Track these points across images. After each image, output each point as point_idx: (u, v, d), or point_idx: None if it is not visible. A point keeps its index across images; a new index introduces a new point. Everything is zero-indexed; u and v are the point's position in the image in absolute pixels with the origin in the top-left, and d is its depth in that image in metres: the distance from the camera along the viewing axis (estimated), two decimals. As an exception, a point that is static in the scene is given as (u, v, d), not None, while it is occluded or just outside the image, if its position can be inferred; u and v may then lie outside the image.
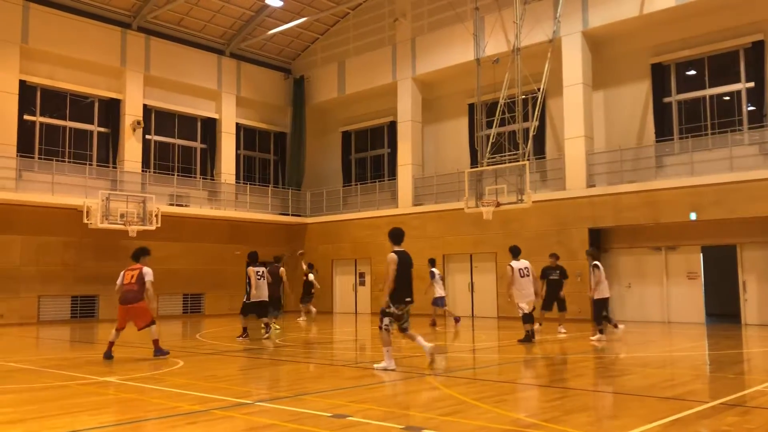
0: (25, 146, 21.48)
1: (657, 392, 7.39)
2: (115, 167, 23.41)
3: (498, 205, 18.79)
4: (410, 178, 24.53)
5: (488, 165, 19.97)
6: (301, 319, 20.49)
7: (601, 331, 13.66)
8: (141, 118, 23.94)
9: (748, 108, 18.74)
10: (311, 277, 20.62)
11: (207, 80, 26.22)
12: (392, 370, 9.03)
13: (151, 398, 7.16)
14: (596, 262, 13.77)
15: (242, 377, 9.40)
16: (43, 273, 21.09)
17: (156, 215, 22.09)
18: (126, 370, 9.54)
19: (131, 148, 23.71)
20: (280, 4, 24.62)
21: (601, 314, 13.68)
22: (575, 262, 18.91)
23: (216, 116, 26.68)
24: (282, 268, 16.56)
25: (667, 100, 20.06)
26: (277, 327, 17.19)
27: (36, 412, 6.49)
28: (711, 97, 19.39)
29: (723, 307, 19.41)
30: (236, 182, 26.54)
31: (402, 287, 9.11)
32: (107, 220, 20.98)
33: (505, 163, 19.69)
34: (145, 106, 24.42)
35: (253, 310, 14.75)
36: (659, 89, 20.00)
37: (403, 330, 9.36)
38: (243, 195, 26.37)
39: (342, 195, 27.19)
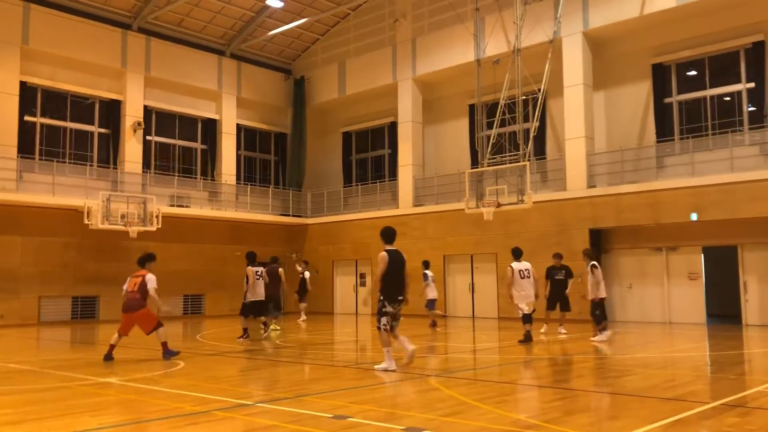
0: (25, 147, 21.48)
1: (658, 393, 7.38)
2: (116, 168, 23.41)
3: (498, 205, 18.78)
4: (411, 178, 24.53)
5: (489, 166, 19.96)
6: (301, 320, 20.49)
7: (602, 330, 13.64)
8: (141, 119, 23.95)
9: (748, 108, 18.72)
10: (307, 275, 20.64)
11: (207, 81, 26.23)
12: (393, 370, 9.03)
13: (152, 399, 7.16)
14: (594, 263, 13.75)
15: (243, 378, 9.40)
16: (43, 274, 21.09)
17: (156, 216, 22.09)
18: (127, 371, 9.54)
19: (132, 149, 23.71)
20: (281, 4, 24.63)
21: (595, 312, 13.63)
22: (576, 263, 18.82)
23: (216, 117, 26.69)
24: (280, 269, 16.58)
25: (667, 100, 20.05)
26: (278, 328, 17.18)
27: (36, 413, 6.49)
28: (712, 97, 19.38)
29: (724, 308, 19.39)
30: (237, 183, 26.53)
31: (394, 286, 9.16)
32: (108, 221, 20.98)
33: (505, 163, 19.68)
34: (145, 107, 24.42)
35: (252, 310, 14.75)
36: (660, 90, 19.99)
37: (391, 328, 9.36)
38: (243, 196, 26.37)
39: (343, 196, 27.19)
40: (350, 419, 5.96)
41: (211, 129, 26.60)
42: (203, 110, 26.46)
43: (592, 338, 13.54)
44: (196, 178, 25.85)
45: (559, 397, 7.41)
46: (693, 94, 19.75)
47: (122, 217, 21.29)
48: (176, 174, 25.14)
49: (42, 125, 22.35)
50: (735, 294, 18.19)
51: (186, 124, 26.21)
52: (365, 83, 26.41)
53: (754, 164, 17.57)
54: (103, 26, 23.32)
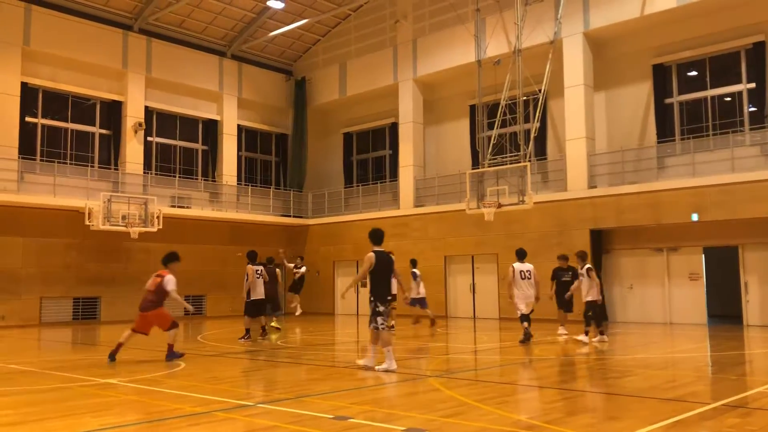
0: (26, 148, 21.51)
1: (658, 393, 7.38)
2: (117, 169, 23.43)
3: (499, 206, 18.78)
4: (412, 179, 24.54)
5: (489, 166, 19.97)
6: (298, 313, 20.51)
7: (601, 332, 13.64)
8: (142, 120, 23.97)
9: (749, 109, 18.72)
10: (303, 270, 20.69)
11: (208, 82, 26.25)
12: (394, 370, 9.05)
13: (153, 400, 7.17)
14: (589, 265, 13.69)
15: (244, 379, 9.41)
16: (44, 275, 21.11)
17: (157, 217, 22.10)
18: (128, 372, 9.55)
19: (133, 150, 23.73)
20: (282, 5, 24.64)
21: (587, 314, 13.59)
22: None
23: (217, 118, 26.70)
24: (278, 269, 16.62)
25: (668, 100, 20.05)
26: (278, 327, 17.22)
27: (37, 414, 6.50)
28: (712, 97, 19.38)
29: (725, 309, 19.39)
30: (238, 184, 26.54)
31: (383, 287, 9.35)
32: (109, 222, 21.00)
33: (506, 164, 19.67)
34: (146, 107, 24.44)
35: (255, 309, 14.77)
36: (660, 90, 19.99)
37: (376, 328, 9.44)
38: (244, 196, 26.38)
39: (344, 196, 27.20)
40: (351, 420, 5.96)
41: (212, 130, 26.61)
42: (204, 111, 26.47)
43: (593, 339, 13.52)
44: (197, 178, 25.87)
45: (560, 398, 7.41)
46: (694, 95, 19.75)
47: (123, 218, 21.31)
48: (177, 175, 25.16)
49: (43, 126, 22.37)
50: (736, 294, 18.18)
51: (187, 125, 26.23)
52: (366, 84, 26.42)
53: (754, 165, 17.56)
54: (104, 27, 23.34)
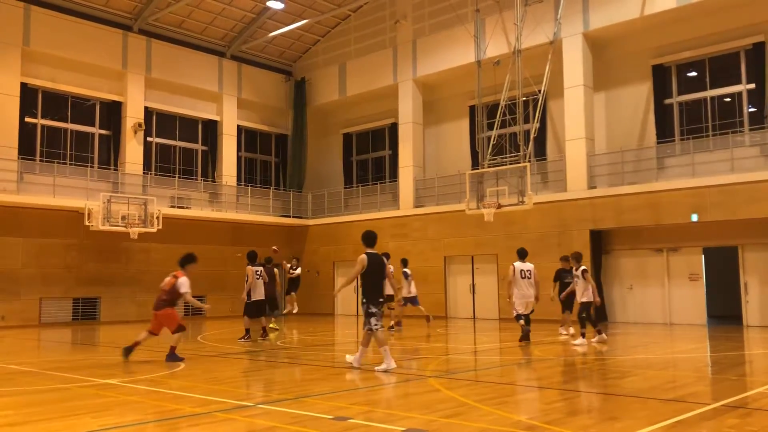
0: (26, 148, 21.51)
1: (658, 394, 7.38)
2: (117, 169, 23.43)
3: (499, 206, 18.79)
4: (411, 179, 24.54)
5: (489, 167, 19.98)
6: (294, 311, 20.53)
7: (599, 332, 13.60)
8: (142, 121, 23.97)
9: (749, 109, 18.73)
10: (298, 271, 20.69)
11: (208, 82, 26.25)
12: (393, 368, 9.08)
13: (153, 400, 7.17)
14: (584, 267, 13.60)
15: (244, 379, 9.41)
16: (44, 275, 21.11)
17: (157, 217, 22.10)
18: (128, 372, 9.55)
19: (132, 151, 23.73)
20: (281, 6, 24.65)
21: (581, 315, 13.53)
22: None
23: (217, 118, 26.71)
24: (276, 269, 16.64)
25: (668, 101, 20.06)
26: (276, 327, 17.25)
27: (37, 414, 6.50)
28: (712, 98, 19.39)
29: (725, 309, 19.39)
30: (237, 184, 26.54)
31: (375, 288, 9.40)
32: (108, 223, 21.01)
33: (506, 164, 19.68)
34: (146, 108, 24.45)
35: (255, 309, 14.77)
36: (660, 90, 19.99)
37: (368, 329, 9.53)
38: (244, 197, 26.38)
39: (343, 197, 27.20)
40: (351, 420, 5.96)
41: (211, 130, 26.62)
42: (204, 111, 26.48)
43: (592, 340, 13.50)
44: (196, 179, 25.87)
45: (560, 399, 7.41)
46: (693, 95, 19.76)
47: (123, 218, 21.32)
48: (177, 175, 25.16)
49: (43, 126, 22.37)
50: (736, 295, 18.19)
51: (186, 126, 26.23)
52: (366, 84, 26.42)
53: (754, 165, 17.57)
54: (104, 28, 23.35)
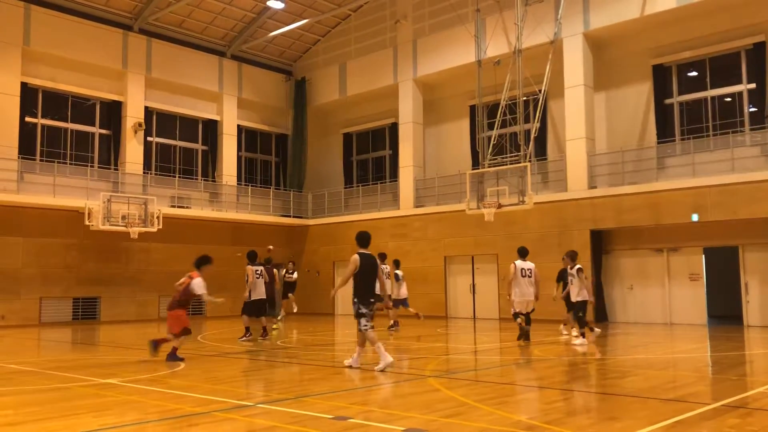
0: (26, 148, 21.51)
1: (659, 394, 7.38)
2: (117, 169, 23.43)
3: (499, 206, 18.78)
4: (412, 179, 24.53)
5: (489, 166, 19.97)
6: (294, 310, 20.50)
7: (591, 329, 13.48)
8: (142, 120, 23.97)
9: (749, 109, 18.72)
10: (295, 276, 20.64)
11: (208, 82, 26.25)
12: (391, 362, 9.16)
13: (153, 400, 7.17)
14: (580, 266, 13.51)
15: (244, 379, 9.40)
16: (44, 275, 21.11)
17: (157, 217, 22.10)
18: (127, 372, 9.55)
19: (132, 150, 23.73)
20: (281, 6, 24.64)
21: (578, 315, 13.47)
22: (584, 264, 18.85)
23: (217, 118, 26.70)
24: (275, 270, 16.65)
25: (668, 101, 20.05)
26: (275, 327, 17.26)
27: (37, 414, 6.50)
28: (712, 98, 19.38)
29: (725, 309, 19.39)
30: (237, 184, 26.55)
31: (366, 289, 9.46)
32: (108, 222, 21.01)
33: (506, 164, 19.67)
34: (146, 108, 24.44)
35: (254, 309, 14.78)
36: (661, 90, 19.99)
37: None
38: (244, 197, 26.38)
39: (344, 197, 27.20)
40: (351, 420, 5.96)
41: (211, 130, 26.62)
42: (204, 111, 26.48)
43: (573, 342, 13.32)
44: (196, 179, 25.87)
45: (560, 398, 7.41)
46: (694, 95, 19.75)
47: (123, 218, 21.32)
48: (177, 175, 25.15)
49: (43, 126, 22.37)
50: (736, 295, 18.18)
51: (187, 125, 26.23)
52: (366, 84, 26.42)
53: (754, 165, 17.57)
54: (104, 27, 23.35)
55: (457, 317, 22.64)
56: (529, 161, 19.21)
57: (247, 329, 14.54)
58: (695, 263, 18.73)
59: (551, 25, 20.46)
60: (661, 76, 20.06)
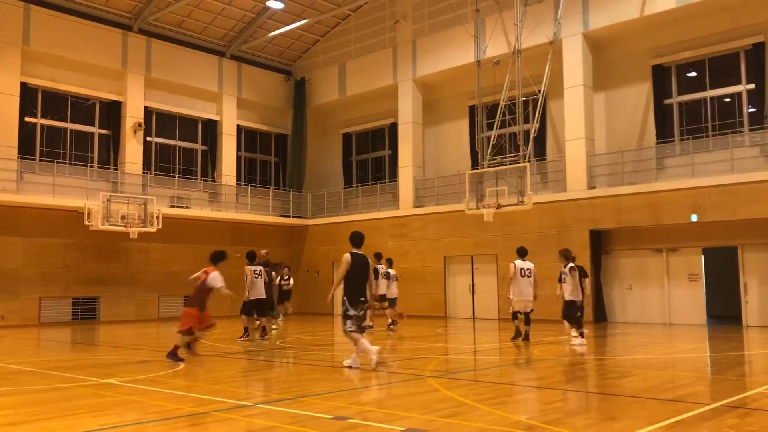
0: (26, 148, 21.50)
1: (658, 394, 7.38)
2: (116, 169, 23.42)
3: (499, 206, 18.79)
4: (411, 179, 24.54)
5: (489, 167, 19.98)
6: (289, 312, 20.47)
7: (581, 334, 13.43)
8: (142, 120, 23.97)
9: (748, 110, 18.73)
10: (291, 282, 20.60)
11: (208, 82, 26.25)
12: (377, 350, 9.36)
13: (152, 400, 7.16)
14: (572, 265, 13.48)
15: (243, 379, 9.40)
16: (44, 275, 21.11)
17: (157, 217, 22.10)
18: (127, 372, 9.55)
19: (132, 150, 23.73)
20: (281, 6, 24.65)
21: (575, 315, 13.40)
22: (584, 264, 18.86)
23: (217, 118, 26.70)
24: (273, 272, 16.68)
25: (667, 101, 20.06)
26: (274, 327, 17.27)
27: (37, 414, 6.50)
28: (712, 98, 19.39)
29: (724, 309, 19.40)
30: (237, 184, 26.54)
31: (356, 289, 9.51)
32: (108, 222, 21.01)
33: (505, 164, 19.69)
34: (146, 108, 24.44)
35: (253, 308, 14.78)
36: (660, 91, 20.00)
37: (360, 330, 9.65)
38: (244, 197, 26.37)
39: (343, 197, 27.20)
40: (350, 420, 5.96)
41: (211, 130, 26.61)
42: (203, 111, 26.48)
43: (572, 342, 13.24)
44: (196, 179, 25.86)
45: (559, 399, 7.41)
46: (693, 95, 19.76)
47: (123, 218, 21.32)
48: (176, 175, 25.15)
49: (42, 126, 22.36)
50: (735, 295, 18.19)
51: (186, 125, 26.23)
52: (365, 84, 26.42)
53: (754, 165, 17.57)
54: (104, 27, 23.34)
55: (456, 317, 22.65)
56: (529, 161, 19.22)
57: (246, 329, 14.55)
58: (694, 263, 18.74)
59: (551, 25, 20.47)
60: (660, 77, 20.07)
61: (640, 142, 20.15)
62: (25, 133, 21.61)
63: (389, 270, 17.51)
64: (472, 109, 23.24)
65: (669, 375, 9.22)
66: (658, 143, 19.63)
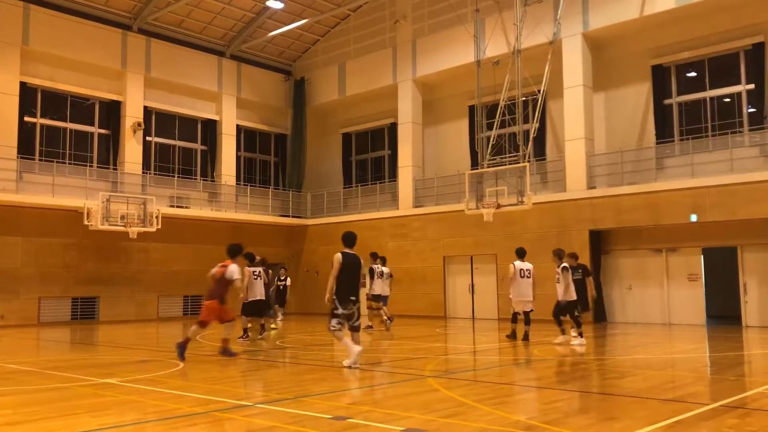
0: (25, 148, 21.49)
1: (657, 394, 7.38)
2: (116, 169, 23.42)
3: (498, 206, 18.79)
4: (411, 179, 24.54)
5: (489, 167, 19.98)
6: (279, 319, 20.47)
7: (562, 332, 13.38)
8: (141, 120, 23.96)
9: (748, 110, 18.74)
10: (288, 282, 20.59)
11: (207, 82, 26.24)
12: (359, 351, 9.43)
13: (152, 400, 7.16)
14: (565, 264, 13.44)
15: (242, 379, 9.40)
16: (43, 274, 21.10)
17: (156, 217, 22.10)
18: (126, 372, 9.54)
19: (132, 150, 23.72)
20: (281, 5, 24.64)
21: (574, 315, 13.36)
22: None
23: (216, 118, 26.69)
24: (271, 271, 16.71)
25: (667, 101, 20.07)
26: (273, 326, 17.28)
27: (36, 413, 6.49)
28: (711, 98, 19.39)
29: (724, 309, 19.40)
30: (237, 184, 26.54)
31: (346, 288, 9.56)
32: (108, 222, 21.00)
33: (505, 164, 19.69)
34: (145, 107, 24.43)
35: (252, 309, 14.79)
36: (660, 91, 20.00)
37: (352, 329, 9.70)
38: (243, 197, 26.37)
39: (342, 197, 27.19)
40: (349, 420, 5.96)
41: (211, 130, 26.61)
42: (203, 111, 26.47)
43: (572, 342, 13.24)
44: (195, 179, 25.85)
45: (559, 399, 7.41)
46: (693, 96, 19.76)
47: (122, 217, 21.32)
48: (176, 175, 25.14)
49: (42, 126, 22.35)
50: (735, 295, 18.19)
51: (186, 125, 26.22)
52: (365, 84, 26.42)
53: (753, 165, 17.58)
54: (104, 27, 23.33)
55: (456, 317, 22.65)
56: (528, 161, 19.22)
57: (245, 330, 14.54)
58: (694, 263, 18.74)
59: (550, 25, 20.47)
60: (660, 77, 20.08)
61: (639, 142, 20.15)
62: (25, 133, 21.61)
63: (384, 269, 17.54)
64: (471, 109, 23.24)
65: (669, 375, 9.22)
66: (657, 143, 19.64)
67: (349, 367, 9.47)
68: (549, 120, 22.14)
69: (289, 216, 27.25)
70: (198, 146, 26.56)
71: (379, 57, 25.96)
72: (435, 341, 14.83)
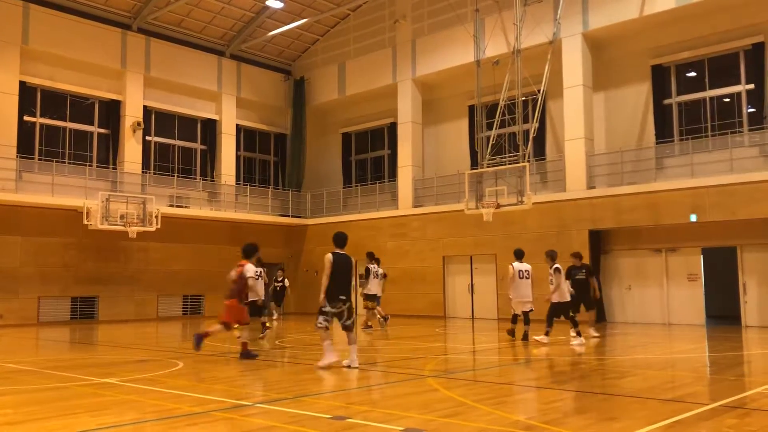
0: (25, 147, 21.49)
1: (657, 394, 7.38)
2: (115, 168, 23.41)
3: (498, 206, 18.79)
4: (410, 179, 24.53)
5: (488, 166, 19.98)
6: (274, 318, 20.51)
7: (547, 333, 13.35)
8: (141, 120, 23.96)
9: (748, 110, 18.74)
10: (286, 283, 20.60)
11: (207, 81, 26.24)
12: (334, 361, 9.47)
13: (151, 399, 7.16)
14: (557, 265, 13.40)
15: (242, 379, 9.39)
16: (42, 274, 21.09)
17: (156, 216, 22.10)
18: (126, 371, 9.54)
19: (131, 150, 23.71)
20: (281, 5, 24.64)
21: (570, 316, 13.33)
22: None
23: (216, 117, 26.69)
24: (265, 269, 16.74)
25: (667, 101, 20.07)
26: (268, 325, 17.28)
27: (36, 413, 6.49)
28: (711, 98, 19.39)
29: (723, 309, 19.41)
30: (236, 183, 26.53)
31: (336, 287, 9.60)
32: (107, 222, 21.00)
33: (505, 164, 19.69)
34: (145, 107, 24.43)
35: (252, 309, 14.77)
36: (659, 91, 20.00)
37: (345, 328, 9.76)
38: (243, 196, 26.37)
39: (342, 196, 27.19)
40: (349, 420, 5.96)
41: (210, 129, 26.60)
42: (203, 111, 26.46)
43: (572, 343, 13.21)
44: (195, 178, 25.85)
45: (558, 398, 7.41)
46: (692, 96, 19.77)
47: (121, 217, 21.31)
48: (176, 174, 25.14)
49: (41, 125, 22.35)
50: (734, 295, 18.19)
51: (185, 125, 26.21)
52: (365, 84, 26.41)
53: (753, 165, 17.58)
54: (103, 26, 23.33)
55: (455, 317, 22.65)
56: (528, 161, 19.22)
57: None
58: (694, 263, 18.74)
59: (550, 25, 20.47)
60: (659, 77, 20.08)
61: (639, 142, 20.15)
62: (24, 132, 21.60)
63: (379, 269, 17.55)
64: (471, 108, 23.24)
65: (668, 375, 9.22)
66: (657, 143, 19.64)
67: (348, 366, 9.48)
68: (549, 120, 22.14)
69: (288, 216, 27.25)
70: (197, 146, 26.55)
71: (379, 57, 25.96)
72: (434, 341, 14.82)
